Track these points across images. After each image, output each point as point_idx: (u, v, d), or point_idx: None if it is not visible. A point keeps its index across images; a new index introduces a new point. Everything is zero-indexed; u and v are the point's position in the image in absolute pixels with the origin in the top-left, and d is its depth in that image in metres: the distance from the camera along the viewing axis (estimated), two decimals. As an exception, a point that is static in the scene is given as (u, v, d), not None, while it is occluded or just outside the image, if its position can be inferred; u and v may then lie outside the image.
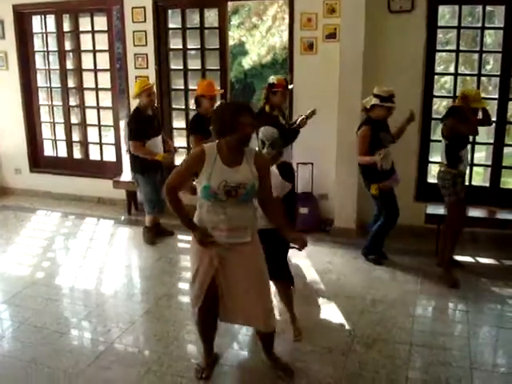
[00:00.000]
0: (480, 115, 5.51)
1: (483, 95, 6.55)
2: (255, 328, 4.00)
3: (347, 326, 4.71)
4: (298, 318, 4.55)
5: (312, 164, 6.88)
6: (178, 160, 6.95)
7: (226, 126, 3.41)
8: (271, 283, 4.06)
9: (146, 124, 6.35)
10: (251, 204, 3.63)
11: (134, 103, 6.74)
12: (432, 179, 6.71)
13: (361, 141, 5.61)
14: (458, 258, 5.95)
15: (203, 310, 3.77)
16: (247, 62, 16.02)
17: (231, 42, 13.95)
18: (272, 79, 5.83)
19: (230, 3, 7.36)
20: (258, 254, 3.74)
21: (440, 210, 6.09)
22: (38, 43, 8.43)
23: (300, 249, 3.75)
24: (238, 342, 4.48)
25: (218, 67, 7.39)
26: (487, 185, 6.64)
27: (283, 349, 4.24)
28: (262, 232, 3.86)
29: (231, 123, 3.38)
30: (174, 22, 7.56)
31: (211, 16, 7.79)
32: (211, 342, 4.04)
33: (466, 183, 6.21)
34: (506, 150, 6.64)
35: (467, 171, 5.86)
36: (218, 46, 7.35)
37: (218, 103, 6.05)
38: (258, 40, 15.61)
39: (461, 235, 5.74)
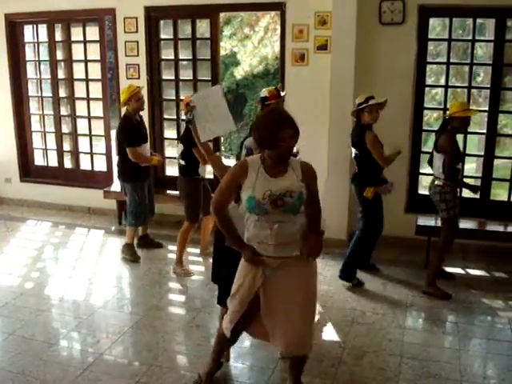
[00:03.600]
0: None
1: (474, 107, 6.59)
2: (286, 352, 3.63)
3: (337, 338, 4.71)
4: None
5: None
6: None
7: (264, 142, 3.33)
8: None
9: (136, 130, 6.25)
10: (300, 216, 3.42)
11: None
12: (423, 190, 6.73)
13: (375, 146, 5.42)
14: (449, 269, 5.97)
15: (236, 325, 3.65)
16: (239, 73, 16.03)
17: (223, 53, 13.98)
18: (263, 92, 5.84)
19: (222, 14, 7.41)
20: (310, 275, 3.59)
21: (431, 221, 6.12)
22: (29, 53, 8.42)
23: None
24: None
25: (210, 78, 7.41)
26: (477, 196, 6.66)
27: (273, 358, 4.23)
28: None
29: (270, 140, 3.27)
30: (165, 32, 7.58)
31: (203, 27, 7.83)
32: (221, 355, 3.98)
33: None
34: (496, 161, 6.67)
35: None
36: (209, 57, 7.37)
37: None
38: (250, 50, 15.63)
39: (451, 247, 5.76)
